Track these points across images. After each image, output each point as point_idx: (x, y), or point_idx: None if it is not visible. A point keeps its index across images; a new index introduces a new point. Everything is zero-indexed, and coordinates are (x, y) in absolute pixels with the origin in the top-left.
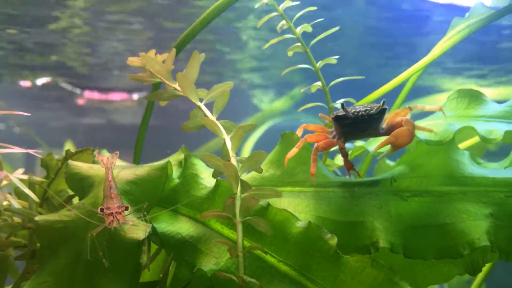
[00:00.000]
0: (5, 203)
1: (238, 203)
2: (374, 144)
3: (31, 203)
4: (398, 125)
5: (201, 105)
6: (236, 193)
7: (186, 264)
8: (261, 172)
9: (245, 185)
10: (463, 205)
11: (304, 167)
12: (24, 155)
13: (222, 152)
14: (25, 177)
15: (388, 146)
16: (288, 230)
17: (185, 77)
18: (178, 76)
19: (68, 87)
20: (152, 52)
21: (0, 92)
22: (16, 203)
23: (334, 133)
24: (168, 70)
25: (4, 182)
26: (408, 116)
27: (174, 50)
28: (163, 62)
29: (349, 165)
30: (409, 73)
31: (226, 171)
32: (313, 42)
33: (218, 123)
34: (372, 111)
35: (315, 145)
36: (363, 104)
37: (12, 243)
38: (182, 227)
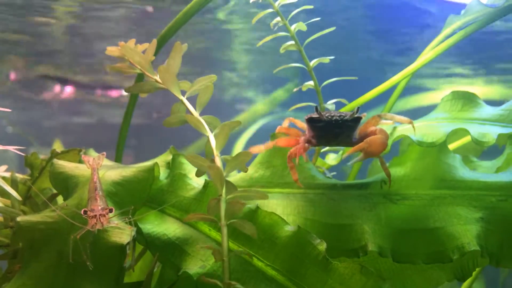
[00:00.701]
0: None
1: (223, 205)
2: None
3: (13, 201)
4: (371, 134)
5: (184, 99)
6: (221, 195)
7: (171, 266)
8: (246, 171)
9: (230, 187)
10: (454, 209)
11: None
12: (17, 155)
13: (205, 150)
14: (8, 174)
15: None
16: (276, 234)
17: (167, 70)
18: (159, 69)
19: (57, 84)
20: (132, 42)
21: None
22: None
23: (306, 136)
24: (149, 61)
25: None
26: (390, 124)
27: (155, 40)
28: (144, 52)
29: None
30: (403, 75)
31: (211, 172)
32: (307, 41)
33: (201, 119)
34: (346, 117)
35: (288, 153)
36: (339, 111)
37: None
38: (169, 228)
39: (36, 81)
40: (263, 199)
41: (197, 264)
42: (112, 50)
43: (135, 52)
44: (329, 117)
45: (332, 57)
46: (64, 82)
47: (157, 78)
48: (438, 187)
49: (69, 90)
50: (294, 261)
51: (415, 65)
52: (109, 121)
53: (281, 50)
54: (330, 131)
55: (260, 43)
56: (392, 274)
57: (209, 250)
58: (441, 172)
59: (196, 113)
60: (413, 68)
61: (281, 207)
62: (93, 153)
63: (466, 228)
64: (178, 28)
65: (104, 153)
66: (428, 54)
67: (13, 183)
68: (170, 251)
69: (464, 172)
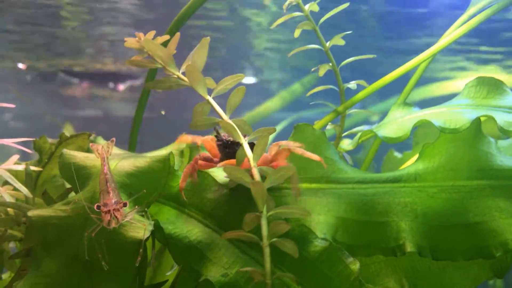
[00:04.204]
0: None
1: (264, 222)
2: (384, 129)
3: (27, 197)
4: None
5: (210, 99)
6: (261, 212)
7: (191, 271)
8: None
9: (269, 202)
10: (494, 201)
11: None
12: (19, 148)
13: (236, 158)
14: (22, 167)
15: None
16: (306, 248)
17: (193, 68)
18: (187, 69)
19: (64, 76)
20: (151, 34)
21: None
22: (7, 196)
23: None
24: (171, 55)
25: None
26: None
27: (178, 34)
28: (165, 45)
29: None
30: (426, 56)
31: (253, 189)
32: (322, 20)
33: (233, 123)
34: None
35: (197, 156)
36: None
37: (8, 238)
38: (191, 231)
39: (43, 73)
40: (306, 216)
41: (219, 272)
42: (131, 42)
43: (157, 46)
44: (225, 137)
45: (349, 32)
46: (71, 74)
47: (180, 74)
48: (476, 178)
49: (77, 82)
50: (323, 279)
51: (439, 45)
52: (113, 114)
53: (296, 34)
54: (222, 151)
55: (274, 24)
56: (429, 272)
57: (232, 258)
58: (477, 160)
59: (226, 117)
60: (437, 49)
61: (310, 205)
62: (101, 141)
63: (508, 223)
64: (193, 12)
65: (114, 139)
66: (451, 34)
67: (28, 176)
68: (191, 255)
69: (502, 160)
